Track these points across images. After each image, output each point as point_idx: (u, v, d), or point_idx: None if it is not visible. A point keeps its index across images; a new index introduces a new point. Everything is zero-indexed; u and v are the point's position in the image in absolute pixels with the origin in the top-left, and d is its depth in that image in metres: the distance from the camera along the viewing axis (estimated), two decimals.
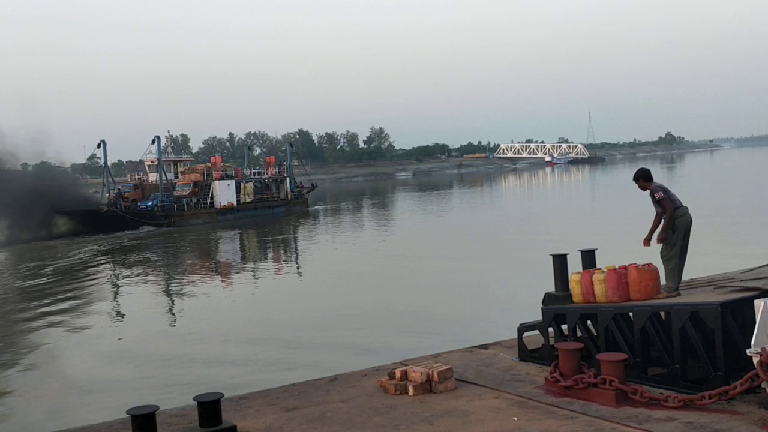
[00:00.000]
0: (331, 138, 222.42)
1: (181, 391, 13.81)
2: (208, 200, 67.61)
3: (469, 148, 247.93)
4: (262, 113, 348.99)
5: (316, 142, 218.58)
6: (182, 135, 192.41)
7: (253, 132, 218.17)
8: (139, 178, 73.97)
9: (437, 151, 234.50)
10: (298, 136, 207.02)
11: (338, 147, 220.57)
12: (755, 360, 6.42)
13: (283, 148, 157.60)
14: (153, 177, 69.90)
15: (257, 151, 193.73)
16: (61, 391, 15.93)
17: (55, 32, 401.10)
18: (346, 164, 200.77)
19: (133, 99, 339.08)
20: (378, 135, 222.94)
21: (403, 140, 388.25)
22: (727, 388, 6.71)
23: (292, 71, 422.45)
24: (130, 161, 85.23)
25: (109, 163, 73.26)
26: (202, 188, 68.70)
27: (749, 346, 6.57)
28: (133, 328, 22.57)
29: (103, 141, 67.43)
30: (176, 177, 71.78)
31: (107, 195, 66.24)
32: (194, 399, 6.95)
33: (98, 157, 78.37)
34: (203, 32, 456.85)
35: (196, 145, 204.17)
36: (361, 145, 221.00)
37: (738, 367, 6.93)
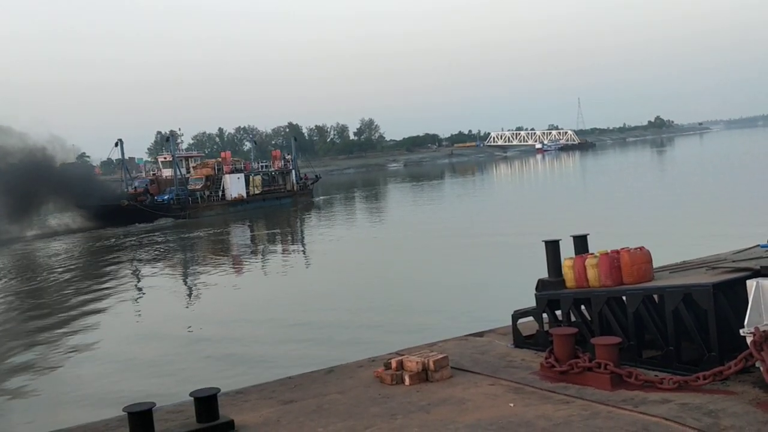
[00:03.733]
0: (321, 130, 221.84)
1: (178, 387, 13.80)
2: (220, 193, 71.98)
3: (460, 137, 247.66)
4: (250, 107, 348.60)
5: (306, 135, 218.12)
6: (171, 131, 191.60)
7: (242, 126, 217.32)
8: (153, 174, 77.94)
9: (428, 141, 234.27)
10: (288, 129, 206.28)
11: (329, 139, 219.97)
12: (749, 340, 6.45)
13: (273, 142, 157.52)
14: (166, 172, 74.37)
15: (247, 146, 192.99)
16: (58, 390, 15.92)
17: (45, 39, 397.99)
18: (337, 156, 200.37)
19: (121, 99, 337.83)
20: (368, 126, 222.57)
21: (393, 131, 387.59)
22: (722, 368, 6.73)
23: (281, 64, 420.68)
24: (119, 159, 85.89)
25: (99, 162, 75.43)
26: (214, 182, 73.05)
27: (742, 327, 6.61)
28: (133, 324, 22.56)
29: (120, 140, 71.82)
30: (188, 172, 75.63)
31: (126, 190, 70.21)
32: (191, 395, 6.94)
33: (87, 156, 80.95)
34: (192, 31, 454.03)
35: (185, 141, 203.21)
36: (352, 137, 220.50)
37: (731, 347, 6.95)
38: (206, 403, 6.80)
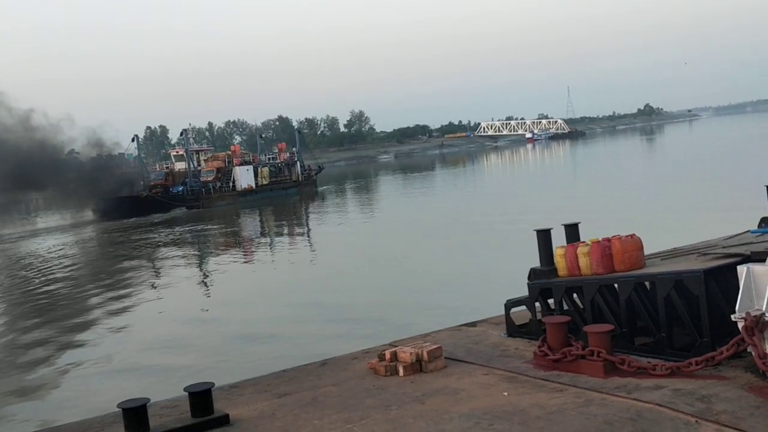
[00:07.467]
0: (311, 123, 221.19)
1: (172, 382, 13.79)
2: (230, 184, 76.56)
3: (450, 128, 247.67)
4: (239, 101, 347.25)
5: (296, 127, 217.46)
6: (161, 126, 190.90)
7: (232, 120, 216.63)
8: (167, 167, 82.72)
9: (418, 132, 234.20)
10: (278, 123, 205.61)
11: (319, 132, 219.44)
12: (740, 325, 6.48)
13: (264, 135, 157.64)
14: (179, 165, 79.22)
15: (237, 139, 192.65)
16: (54, 387, 15.89)
17: (31, 35, 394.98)
18: (328, 149, 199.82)
19: (107, 96, 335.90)
20: (359, 118, 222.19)
21: (383, 122, 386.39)
22: (714, 354, 6.77)
23: (269, 56, 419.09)
24: (110, 154, 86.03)
25: (89, 158, 77.33)
26: (225, 174, 77.75)
27: (734, 312, 6.64)
28: (128, 320, 22.49)
29: (136, 135, 78.30)
30: (199, 164, 79.81)
31: (143, 182, 74.52)
32: (185, 389, 6.93)
33: (77, 152, 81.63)
34: (180, 25, 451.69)
35: (174, 135, 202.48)
36: (342, 129, 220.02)
37: (723, 332, 6.99)
38: (201, 397, 6.79)
